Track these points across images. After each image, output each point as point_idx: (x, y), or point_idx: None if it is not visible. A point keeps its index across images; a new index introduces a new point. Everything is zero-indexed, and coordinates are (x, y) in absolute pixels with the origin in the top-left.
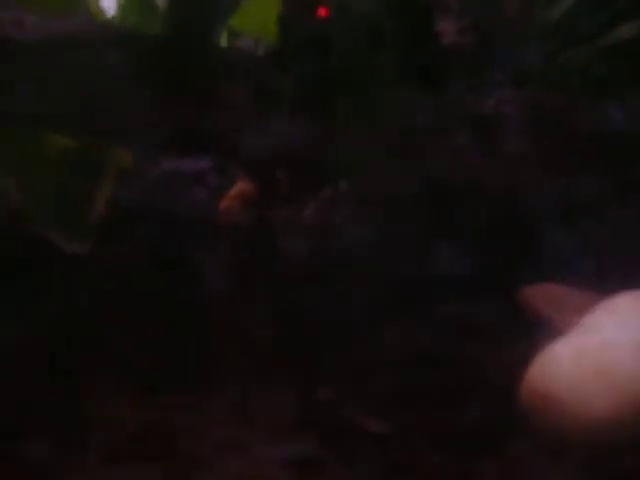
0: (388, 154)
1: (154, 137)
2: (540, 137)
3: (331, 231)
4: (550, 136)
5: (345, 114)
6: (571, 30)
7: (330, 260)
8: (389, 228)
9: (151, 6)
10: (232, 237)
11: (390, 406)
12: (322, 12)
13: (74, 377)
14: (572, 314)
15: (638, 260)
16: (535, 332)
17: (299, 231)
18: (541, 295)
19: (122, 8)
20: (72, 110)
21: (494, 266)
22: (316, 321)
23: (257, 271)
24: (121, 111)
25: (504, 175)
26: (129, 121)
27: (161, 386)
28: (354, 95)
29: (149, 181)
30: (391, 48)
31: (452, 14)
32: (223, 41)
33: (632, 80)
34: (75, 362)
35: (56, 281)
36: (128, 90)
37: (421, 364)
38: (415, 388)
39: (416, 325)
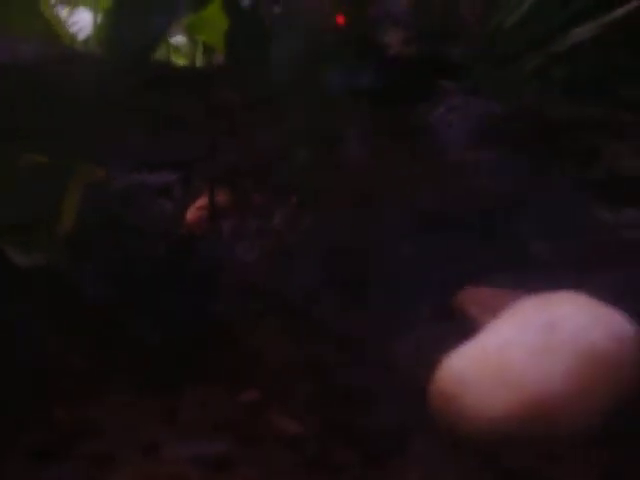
0: (332, 167)
1: (117, 154)
2: (483, 144)
3: (289, 238)
4: (491, 142)
5: (293, 129)
6: (526, 34)
7: (274, 267)
8: (337, 234)
9: None
10: (191, 246)
11: (309, 408)
12: (340, 20)
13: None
14: (492, 316)
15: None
16: (461, 334)
17: (257, 239)
18: (472, 298)
19: (97, 30)
20: (39, 129)
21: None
22: (250, 327)
23: (203, 278)
24: (85, 131)
25: (438, 182)
26: (92, 140)
27: (106, 387)
28: (299, 110)
29: (116, 194)
30: (336, 62)
31: (400, 24)
32: (199, 57)
33: (591, 82)
34: (21, 365)
35: (13, 292)
36: (85, 109)
37: (342, 367)
38: (335, 390)
39: (350, 332)
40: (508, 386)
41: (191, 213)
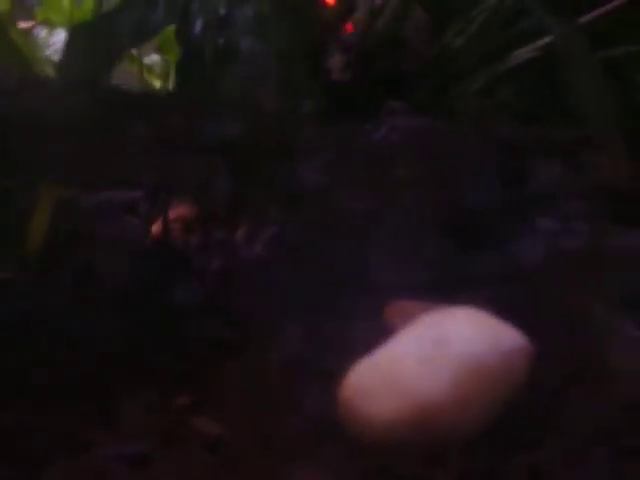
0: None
1: (84, 174)
2: (419, 163)
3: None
4: (426, 162)
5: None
6: (471, 55)
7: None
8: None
9: None
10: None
11: (232, 412)
12: (349, 28)
13: None
14: None
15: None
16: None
17: (217, 251)
18: (398, 311)
19: None
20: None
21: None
22: (192, 337)
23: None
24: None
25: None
26: (60, 161)
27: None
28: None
29: (83, 211)
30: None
31: (345, 49)
32: (172, 77)
33: (536, 101)
34: None
35: None
36: (43, 133)
37: (272, 376)
38: (260, 397)
39: (285, 341)
40: (397, 394)
41: (157, 227)
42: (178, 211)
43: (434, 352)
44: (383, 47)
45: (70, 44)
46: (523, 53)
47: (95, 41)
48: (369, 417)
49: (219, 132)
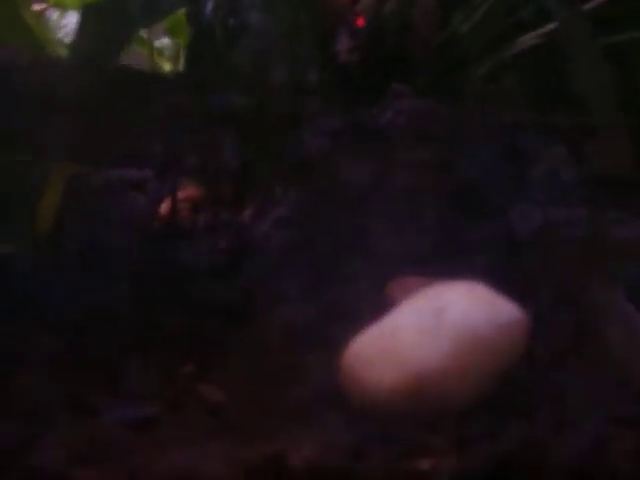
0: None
1: (94, 152)
2: (422, 145)
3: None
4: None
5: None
6: (476, 42)
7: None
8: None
9: None
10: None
11: (236, 379)
12: (360, 22)
13: None
14: None
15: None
16: None
17: (225, 231)
18: (399, 287)
19: None
20: (20, 132)
21: None
22: (198, 307)
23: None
24: (62, 130)
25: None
26: (70, 139)
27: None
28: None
29: (93, 189)
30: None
31: (353, 32)
32: (182, 60)
33: (539, 88)
34: None
35: None
36: (60, 112)
37: (276, 347)
38: (264, 366)
39: (289, 314)
40: (397, 363)
41: (165, 207)
42: (186, 191)
43: (433, 323)
44: (390, 31)
45: (82, 25)
46: (528, 39)
47: (106, 22)
48: (369, 385)
49: (228, 104)
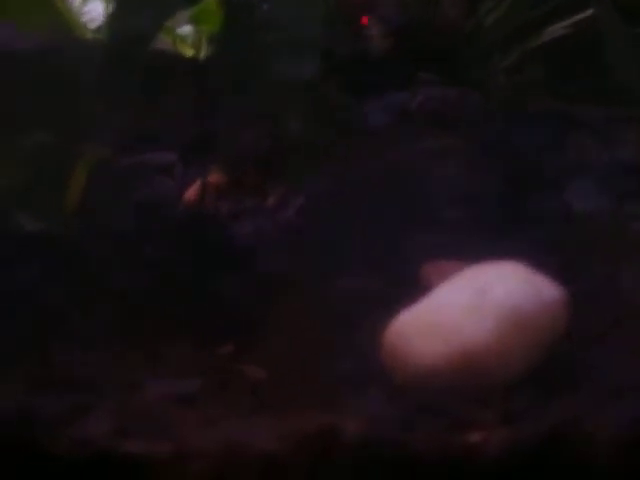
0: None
1: (122, 135)
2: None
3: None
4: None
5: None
6: (503, 32)
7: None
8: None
9: None
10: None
11: (276, 358)
12: (364, 21)
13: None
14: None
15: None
16: None
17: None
18: (434, 270)
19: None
20: (51, 113)
21: None
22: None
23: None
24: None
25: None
26: (99, 122)
27: (96, 340)
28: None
29: (119, 171)
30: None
31: (385, 19)
32: (204, 47)
33: (566, 79)
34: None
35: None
36: (89, 97)
37: (316, 327)
38: (301, 344)
39: (324, 295)
40: (441, 340)
41: (190, 192)
42: (211, 177)
43: (477, 301)
44: (420, 20)
45: (119, 6)
46: (555, 30)
47: (145, 4)
48: (414, 361)
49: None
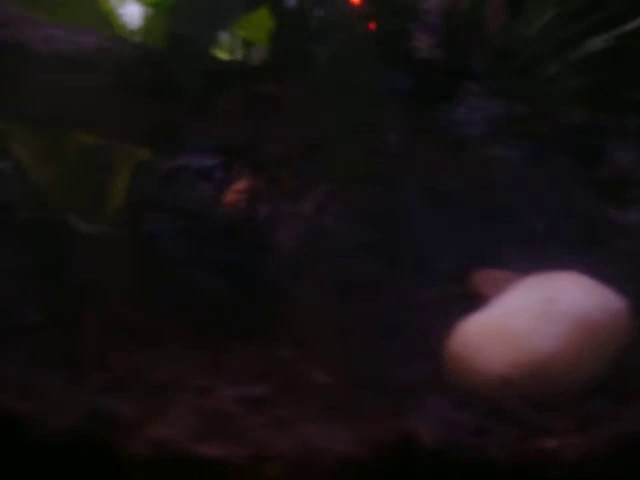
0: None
1: (165, 139)
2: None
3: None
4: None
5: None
6: (544, 44)
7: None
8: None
9: None
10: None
11: (340, 364)
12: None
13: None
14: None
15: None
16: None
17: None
18: (485, 279)
19: (147, 21)
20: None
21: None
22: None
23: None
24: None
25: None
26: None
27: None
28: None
29: (161, 175)
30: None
31: (429, 31)
32: (238, 52)
33: (604, 91)
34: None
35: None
36: (134, 98)
37: (375, 333)
38: (366, 351)
39: (378, 301)
40: (509, 347)
41: (229, 196)
42: (248, 181)
43: (546, 310)
44: (464, 29)
45: (178, 10)
46: (598, 42)
47: (204, 8)
48: (482, 369)
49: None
